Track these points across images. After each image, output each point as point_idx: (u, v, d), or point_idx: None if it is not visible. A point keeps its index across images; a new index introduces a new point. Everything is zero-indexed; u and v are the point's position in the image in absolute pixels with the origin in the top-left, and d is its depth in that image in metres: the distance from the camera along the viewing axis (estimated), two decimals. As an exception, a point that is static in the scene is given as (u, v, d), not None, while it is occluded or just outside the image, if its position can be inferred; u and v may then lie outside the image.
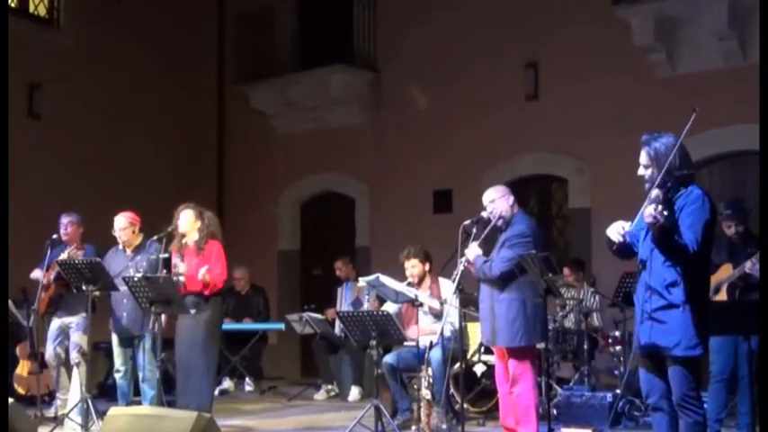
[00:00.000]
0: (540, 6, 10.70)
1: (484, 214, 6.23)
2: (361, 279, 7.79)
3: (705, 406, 4.83)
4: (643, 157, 4.63)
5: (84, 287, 7.13)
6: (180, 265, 7.21)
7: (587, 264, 9.60)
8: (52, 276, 7.74)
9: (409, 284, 7.50)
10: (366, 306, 9.46)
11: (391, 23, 11.80)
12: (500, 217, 6.22)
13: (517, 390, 6.15)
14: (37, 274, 7.89)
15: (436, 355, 6.97)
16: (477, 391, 7.72)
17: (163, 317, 7.35)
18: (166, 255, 7.43)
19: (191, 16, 12.99)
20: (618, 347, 8.27)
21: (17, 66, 9.95)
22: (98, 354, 9.66)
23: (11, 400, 6.00)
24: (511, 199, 6.28)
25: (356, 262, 10.87)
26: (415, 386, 6.73)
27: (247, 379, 10.76)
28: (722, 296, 6.35)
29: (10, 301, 7.76)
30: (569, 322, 8.77)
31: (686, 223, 4.43)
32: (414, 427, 6.69)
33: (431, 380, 6.47)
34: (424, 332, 7.13)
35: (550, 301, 6.72)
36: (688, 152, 4.61)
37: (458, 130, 11.18)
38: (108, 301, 7.57)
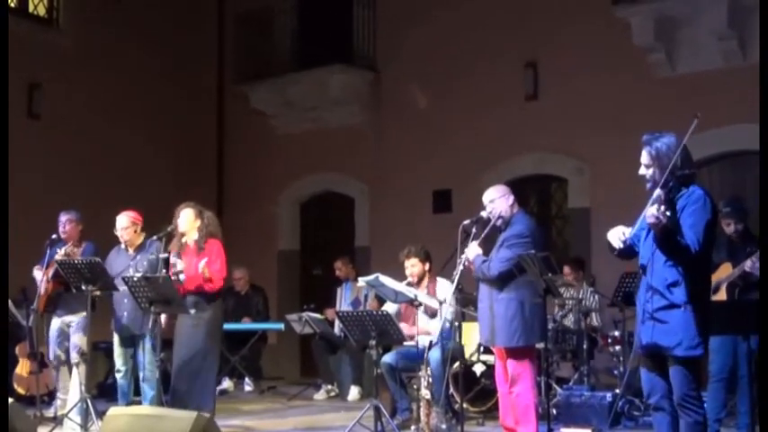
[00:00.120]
0: (539, 6, 10.70)
1: (483, 214, 6.23)
2: (360, 279, 7.79)
3: (705, 405, 4.82)
4: (644, 157, 4.63)
5: (83, 287, 7.13)
6: (178, 263, 7.21)
7: (587, 263, 9.60)
8: (50, 274, 7.73)
9: (409, 284, 7.50)
10: (364, 306, 9.49)
11: (391, 23, 11.80)
12: (499, 217, 6.22)
13: (516, 389, 6.15)
14: (36, 273, 7.88)
15: (435, 354, 6.96)
16: (477, 391, 7.71)
17: (163, 317, 7.36)
18: (166, 255, 7.44)
19: (190, 16, 12.99)
20: (617, 347, 8.27)
21: (17, 66, 9.95)
22: (98, 354, 9.67)
23: (10, 399, 6.00)
24: (511, 199, 6.28)
25: (356, 262, 10.87)
26: (415, 386, 6.73)
27: (247, 379, 10.76)
28: (721, 295, 6.35)
29: (9, 301, 7.76)
30: (569, 322, 8.77)
31: (688, 223, 4.44)
32: (413, 427, 6.69)
33: (430, 380, 6.47)
34: (420, 331, 7.14)
35: (549, 301, 6.72)
36: (689, 152, 4.61)
37: (457, 130, 11.18)
38: (110, 300, 7.57)
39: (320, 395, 9.99)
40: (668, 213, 4.25)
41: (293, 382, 11.21)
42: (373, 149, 12.06)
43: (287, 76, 12.27)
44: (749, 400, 6.17)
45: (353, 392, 9.67)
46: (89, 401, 7.11)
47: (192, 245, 7.42)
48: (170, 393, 7.29)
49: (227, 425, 7.52)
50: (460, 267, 6.17)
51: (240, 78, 12.61)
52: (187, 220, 7.44)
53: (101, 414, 6.71)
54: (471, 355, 7.88)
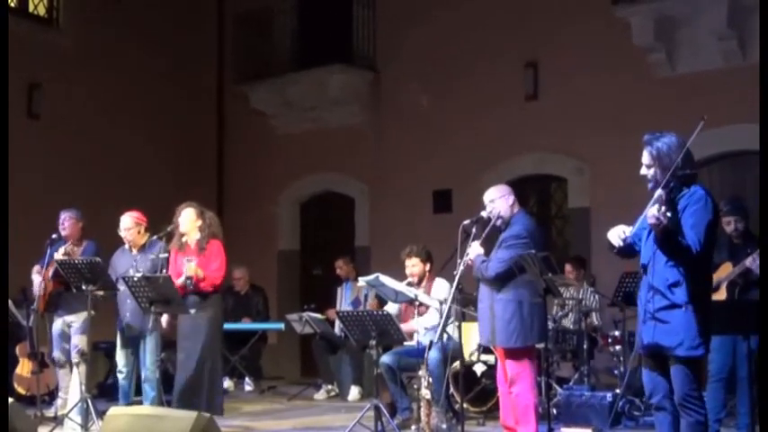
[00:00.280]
0: (539, 6, 10.70)
1: (483, 214, 6.23)
2: (360, 279, 7.80)
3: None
4: (645, 157, 4.63)
5: (83, 287, 7.13)
6: (188, 265, 7.21)
7: (587, 263, 9.60)
8: (50, 274, 7.73)
9: (409, 284, 7.50)
10: (364, 306, 9.49)
11: (391, 23, 11.80)
12: (499, 217, 6.22)
13: (516, 390, 6.14)
14: (35, 275, 7.88)
15: (433, 355, 6.96)
16: (477, 391, 7.71)
17: (165, 318, 7.36)
18: (166, 254, 7.45)
19: (190, 16, 12.99)
20: (617, 347, 8.27)
21: (16, 65, 9.95)
22: (98, 354, 9.67)
23: (10, 399, 6.00)
24: (511, 199, 6.27)
25: (356, 262, 10.87)
26: (415, 386, 6.73)
27: (247, 379, 10.76)
28: (721, 294, 6.34)
29: (9, 301, 7.76)
30: (569, 322, 8.77)
31: (689, 223, 4.44)
32: (413, 427, 6.69)
33: (430, 379, 6.47)
34: (410, 329, 7.16)
35: (549, 301, 6.72)
36: (691, 152, 4.61)
37: (457, 130, 11.18)
38: (114, 300, 7.58)
39: (320, 395, 9.99)
40: (669, 214, 4.25)
41: (293, 382, 11.21)
42: (373, 149, 12.06)
43: (287, 76, 12.27)
44: (749, 400, 6.17)
45: (354, 392, 9.67)
46: (89, 401, 7.11)
47: (194, 245, 7.43)
48: (175, 394, 7.31)
49: (228, 425, 7.51)
50: (461, 268, 6.16)
51: (240, 78, 12.61)
52: (188, 220, 7.45)
53: (101, 414, 6.71)
54: (471, 355, 7.88)
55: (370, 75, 12.03)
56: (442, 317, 6.98)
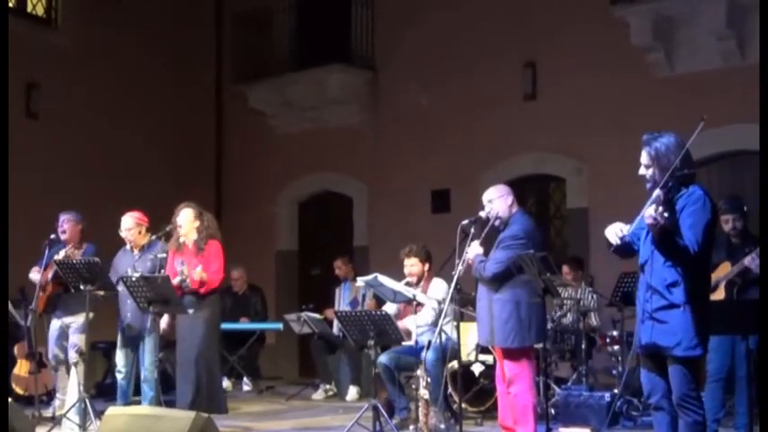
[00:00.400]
0: (538, 6, 10.70)
1: (482, 214, 6.23)
2: (359, 279, 7.79)
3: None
4: (644, 157, 4.63)
5: (81, 287, 7.13)
6: (184, 270, 7.21)
7: (585, 263, 9.60)
8: (50, 275, 7.72)
9: (407, 284, 7.50)
10: (362, 306, 9.49)
11: (389, 23, 11.80)
12: (497, 217, 6.21)
13: (514, 390, 6.14)
14: (35, 273, 7.87)
15: (430, 355, 6.95)
16: (475, 391, 7.71)
17: (166, 318, 7.36)
18: (164, 255, 7.46)
19: (189, 16, 12.99)
20: (616, 347, 8.26)
21: (15, 65, 9.93)
22: (96, 354, 9.66)
23: (9, 400, 6.00)
24: (510, 199, 6.27)
25: (354, 262, 10.86)
26: (413, 386, 6.73)
27: (245, 379, 10.75)
28: (720, 294, 6.33)
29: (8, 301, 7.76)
30: (567, 322, 8.77)
31: (687, 224, 4.44)
32: (412, 427, 6.69)
33: (428, 379, 6.47)
34: (403, 327, 7.17)
35: (548, 301, 6.71)
36: (689, 152, 4.61)
37: (456, 130, 11.18)
38: (115, 301, 7.58)
39: (318, 395, 9.99)
40: (666, 214, 4.25)
41: (292, 382, 11.22)
42: (372, 149, 12.06)
43: (285, 75, 12.26)
44: (747, 400, 6.17)
45: (352, 392, 9.67)
46: (87, 401, 7.11)
47: (191, 245, 7.43)
48: (177, 395, 7.32)
49: (226, 424, 7.50)
50: (462, 267, 6.15)
51: (239, 78, 12.61)
52: (186, 221, 7.45)
53: (99, 414, 6.71)
54: (469, 355, 7.88)
55: (368, 74, 12.03)
56: (440, 316, 6.99)
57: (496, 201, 6.23)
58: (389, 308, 7.65)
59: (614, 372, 8.29)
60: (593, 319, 8.85)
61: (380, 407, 6.64)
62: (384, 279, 7.20)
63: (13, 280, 8.08)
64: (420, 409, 6.38)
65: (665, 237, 4.36)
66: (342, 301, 10.17)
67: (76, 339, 7.73)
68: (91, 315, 7.43)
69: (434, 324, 7.24)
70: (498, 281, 6.10)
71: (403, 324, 7.40)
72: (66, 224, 7.90)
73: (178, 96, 12.73)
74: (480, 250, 6.19)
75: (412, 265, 7.72)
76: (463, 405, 7.04)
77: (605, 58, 10.12)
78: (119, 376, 7.62)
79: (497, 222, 6.22)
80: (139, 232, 7.63)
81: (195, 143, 13.12)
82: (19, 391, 9.00)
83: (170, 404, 7.31)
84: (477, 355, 7.82)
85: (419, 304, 7.25)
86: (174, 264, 7.39)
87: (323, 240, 12.69)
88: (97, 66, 11.78)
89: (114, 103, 11.90)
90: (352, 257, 11.05)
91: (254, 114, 12.74)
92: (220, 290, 7.64)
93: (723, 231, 6.44)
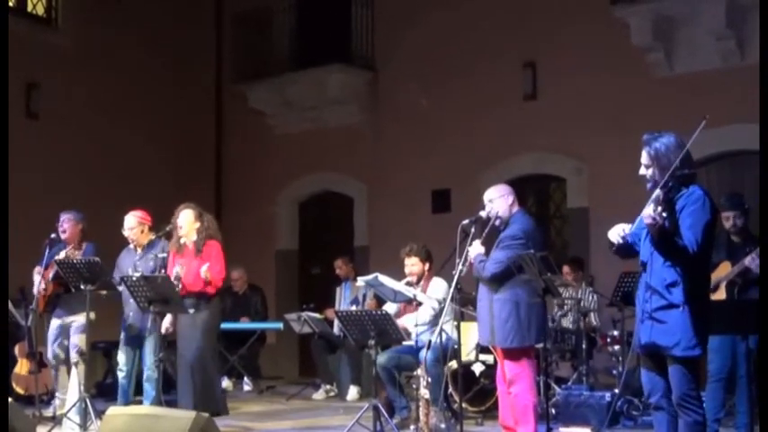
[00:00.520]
0: (538, 6, 10.70)
1: (482, 213, 6.23)
2: (359, 279, 7.80)
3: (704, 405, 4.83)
4: (644, 157, 4.63)
5: (82, 286, 7.13)
6: (178, 270, 7.20)
7: (586, 263, 9.60)
8: (50, 275, 7.73)
9: (408, 283, 7.50)
10: (362, 305, 9.48)
11: (389, 23, 11.80)
12: (497, 217, 6.21)
13: (515, 390, 6.14)
14: (36, 273, 7.87)
15: (429, 355, 6.94)
16: (476, 391, 7.71)
17: (169, 319, 7.36)
18: (164, 254, 7.46)
19: (189, 16, 12.99)
20: (616, 347, 8.26)
21: (15, 65, 9.94)
22: (96, 353, 9.66)
23: (9, 399, 6.00)
24: (510, 199, 6.26)
25: (354, 261, 10.87)
26: (413, 385, 6.73)
27: (246, 378, 10.75)
28: (720, 294, 6.34)
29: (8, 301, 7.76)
30: (567, 322, 8.78)
31: (686, 224, 4.44)
32: (412, 427, 6.69)
33: (429, 379, 6.47)
34: (401, 326, 7.19)
35: (549, 301, 6.72)
36: (689, 152, 4.61)
37: (456, 130, 11.19)
38: (119, 300, 7.58)
39: (319, 395, 9.99)
40: (665, 215, 4.26)
41: (292, 382, 11.22)
42: (372, 149, 12.06)
43: (285, 75, 12.26)
44: (748, 399, 6.17)
45: (352, 392, 9.67)
46: (88, 401, 7.11)
47: (191, 246, 7.43)
48: (179, 395, 7.33)
49: (226, 424, 7.51)
50: (460, 267, 6.15)
51: (238, 78, 12.61)
52: (186, 221, 7.45)
53: (99, 414, 6.71)
54: (468, 355, 7.89)
55: (368, 74, 12.03)
56: (440, 316, 6.99)
57: (497, 200, 6.23)
58: (389, 307, 7.65)
59: (615, 371, 8.29)
60: (594, 319, 8.86)
61: (381, 407, 6.64)
62: (384, 279, 7.20)
63: (13, 280, 8.09)
64: (420, 408, 6.39)
65: (664, 237, 4.36)
66: (342, 301, 10.17)
67: (77, 340, 7.74)
68: (92, 315, 7.44)
69: (433, 323, 7.25)
70: (498, 281, 6.10)
71: (401, 322, 7.40)
72: (67, 223, 7.90)
73: (178, 96, 12.73)
74: (481, 250, 6.18)
75: (412, 265, 7.72)
76: (464, 405, 7.04)
77: (605, 58, 10.13)
78: (120, 375, 7.62)
79: (498, 222, 6.22)
80: (142, 231, 7.64)
81: (195, 143, 13.12)
82: (19, 390, 9.00)
83: (170, 404, 7.32)
84: (477, 355, 7.83)
85: (419, 304, 7.26)
86: (174, 266, 7.38)
87: (323, 240, 12.68)
88: (97, 66, 11.78)
89: (114, 103, 11.90)
90: (352, 257, 11.05)
91: (253, 114, 12.75)
92: (221, 290, 7.64)
93: (723, 229, 6.43)
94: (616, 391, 7.35)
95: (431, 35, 11.48)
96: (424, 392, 6.32)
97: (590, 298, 8.89)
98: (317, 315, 9.77)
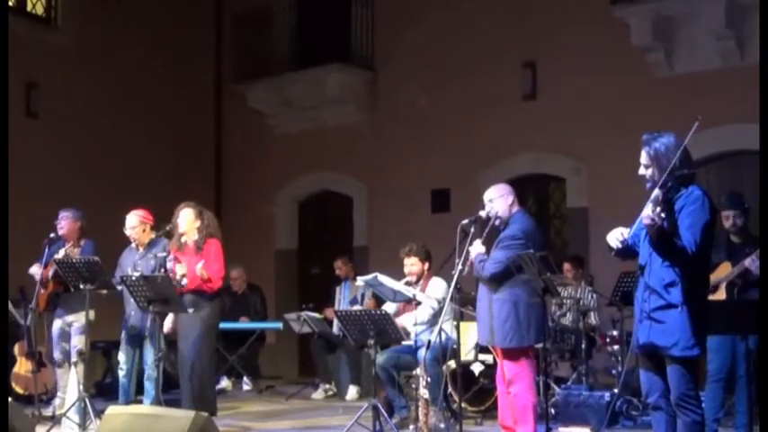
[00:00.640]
0: (538, 6, 10.70)
1: (482, 213, 6.22)
2: (359, 278, 7.80)
3: (703, 405, 4.83)
4: (643, 157, 4.63)
5: (81, 286, 7.13)
6: (179, 268, 7.21)
7: (585, 263, 9.60)
8: (50, 274, 7.72)
9: (407, 283, 7.50)
10: (360, 305, 9.49)
11: (389, 23, 11.80)
12: (497, 217, 6.21)
13: (514, 390, 6.14)
14: (35, 271, 7.87)
15: (428, 355, 6.94)
16: (475, 391, 7.71)
17: (170, 319, 7.36)
18: (165, 253, 7.45)
19: (189, 16, 12.99)
20: (616, 346, 8.27)
21: (14, 64, 9.92)
22: (96, 353, 9.65)
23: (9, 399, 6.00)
24: (510, 198, 6.26)
25: (354, 261, 10.87)
26: (413, 385, 6.73)
27: (245, 378, 10.75)
28: (720, 294, 6.34)
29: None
30: (567, 321, 8.78)
31: (685, 224, 4.44)
32: (411, 427, 6.69)
33: (428, 379, 6.47)
34: (399, 324, 7.20)
35: (548, 300, 6.72)
36: (689, 152, 4.61)
37: (455, 130, 11.19)
38: (120, 299, 7.58)
39: (318, 394, 10.00)
40: (663, 215, 4.26)
41: (291, 382, 11.22)
42: (371, 148, 12.06)
43: (285, 75, 12.26)
44: (747, 399, 6.17)
45: (352, 392, 9.67)
46: (87, 400, 7.11)
47: (192, 245, 7.43)
48: (182, 396, 7.34)
49: (226, 424, 7.52)
50: (459, 267, 6.15)
51: (238, 77, 12.61)
52: (187, 220, 7.45)
53: (99, 413, 6.71)
54: (468, 354, 7.89)
55: (368, 74, 12.03)
56: (439, 315, 6.99)
57: (497, 200, 6.23)
58: (388, 307, 7.65)
59: (614, 371, 8.30)
60: (593, 319, 8.86)
61: (380, 406, 6.64)
62: (384, 278, 7.20)
63: (12, 279, 8.08)
64: (420, 408, 6.39)
65: (663, 237, 4.36)
66: (342, 301, 10.17)
67: (77, 341, 7.74)
68: (92, 314, 7.44)
69: (432, 323, 7.25)
70: (497, 280, 6.10)
71: (400, 321, 7.40)
72: (64, 221, 7.90)
73: (178, 96, 12.73)
74: (482, 249, 6.18)
75: (412, 265, 7.72)
76: (463, 404, 7.05)
77: (605, 58, 10.13)
78: (120, 373, 7.62)
79: (497, 222, 6.22)
80: (144, 230, 7.64)
81: (195, 143, 13.12)
82: (19, 390, 9.01)
83: (168, 403, 7.31)
84: (476, 355, 7.83)
85: (419, 304, 7.26)
86: (173, 265, 7.38)
87: (322, 240, 12.69)
88: (97, 65, 11.78)
89: (114, 103, 11.90)
90: (351, 257, 11.06)
91: (253, 114, 12.75)
92: (220, 289, 7.64)
93: (723, 229, 6.43)
94: (615, 390, 7.36)
95: (430, 35, 11.48)
96: (424, 392, 6.32)
97: (589, 297, 8.89)
98: (316, 315, 9.77)
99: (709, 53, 9.56)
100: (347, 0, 12.02)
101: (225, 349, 10.16)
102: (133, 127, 12.08)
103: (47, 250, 7.71)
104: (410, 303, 7.38)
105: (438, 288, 7.53)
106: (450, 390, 7.41)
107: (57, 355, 7.97)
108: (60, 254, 7.59)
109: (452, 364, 7.09)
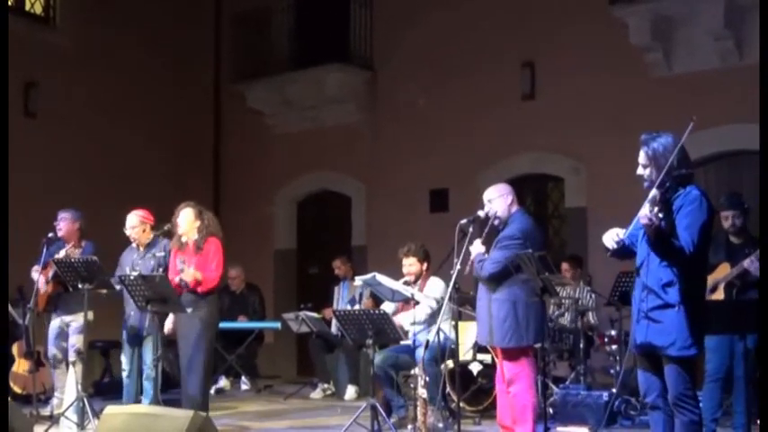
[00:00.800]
0: (537, 6, 10.71)
1: (481, 213, 6.22)
2: (357, 278, 7.80)
3: (701, 405, 4.83)
4: (642, 157, 4.64)
5: (80, 286, 7.13)
6: (187, 271, 7.20)
7: (584, 263, 9.60)
8: (50, 274, 7.72)
9: (406, 283, 7.50)
10: (359, 305, 9.49)
11: (388, 23, 11.81)
12: (496, 217, 6.21)
13: (514, 389, 6.13)
14: (35, 273, 7.87)
15: (426, 355, 6.95)
16: (474, 390, 7.72)
17: (170, 323, 7.35)
18: (164, 253, 7.46)
19: (188, 15, 12.99)
20: (614, 346, 8.28)
21: (13, 64, 9.88)
22: (94, 353, 9.65)
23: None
24: (509, 198, 6.25)
25: (352, 261, 10.87)
26: (411, 385, 6.74)
27: (243, 378, 10.75)
28: (719, 295, 6.34)
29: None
30: (565, 321, 8.78)
31: (683, 224, 4.44)
32: (410, 426, 6.69)
33: (427, 378, 6.47)
34: (397, 323, 7.20)
35: (546, 300, 6.72)
36: (687, 152, 4.62)
37: (454, 130, 11.19)
38: (120, 299, 7.58)
39: (317, 394, 10.00)
40: (661, 215, 4.26)
41: (290, 381, 11.23)
42: (370, 148, 12.07)
43: (284, 75, 12.27)
44: (745, 399, 6.17)
45: (350, 391, 9.67)
46: (85, 400, 7.11)
47: (192, 245, 7.43)
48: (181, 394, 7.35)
49: (224, 424, 7.52)
50: (458, 267, 6.15)
51: (237, 77, 12.62)
52: (187, 220, 7.44)
53: (97, 413, 6.71)
54: (466, 354, 7.89)
55: (367, 74, 12.03)
56: (437, 315, 6.99)
57: (496, 200, 6.23)
58: (387, 307, 7.65)
59: (612, 371, 8.31)
60: (592, 319, 8.87)
61: (378, 406, 6.65)
62: (382, 278, 7.20)
63: (12, 279, 8.09)
64: (418, 408, 6.39)
65: (660, 237, 4.37)
66: (340, 301, 10.17)
67: (75, 340, 7.74)
68: (91, 314, 7.44)
69: (430, 322, 7.25)
70: (496, 280, 6.09)
71: (398, 320, 7.40)
72: (63, 222, 7.90)
73: (177, 96, 12.73)
74: (482, 248, 6.18)
75: (410, 265, 7.72)
76: (461, 404, 7.04)
77: (604, 57, 10.13)
78: (123, 375, 7.61)
79: (496, 222, 6.22)
80: (144, 230, 7.63)
81: (194, 143, 13.12)
82: (17, 389, 9.00)
83: (168, 403, 7.31)
84: (474, 354, 7.83)
85: (417, 303, 7.26)
86: (176, 262, 7.39)
87: (321, 240, 12.69)
88: (95, 65, 11.77)
89: (114, 103, 11.90)
90: (350, 257, 11.07)
91: (252, 114, 12.75)
92: (218, 289, 7.64)
93: (722, 229, 6.43)
94: (614, 390, 7.36)
95: (430, 35, 11.49)
96: (422, 392, 6.33)
97: (588, 297, 8.90)
98: (314, 314, 9.78)
99: (707, 53, 9.57)
100: (346, 0, 12.02)
101: (223, 349, 10.16)
102: (133, 127, 12.08)
103: (45, 250, 7.71)
104: (408, 303, 7.39)
105: (436, 288, 7.53)
106: (448, 389, 7.41)
107: (53, 353, 7.94)
108: (61, 254, 7.60)
109: (450, 363, 7.09)
